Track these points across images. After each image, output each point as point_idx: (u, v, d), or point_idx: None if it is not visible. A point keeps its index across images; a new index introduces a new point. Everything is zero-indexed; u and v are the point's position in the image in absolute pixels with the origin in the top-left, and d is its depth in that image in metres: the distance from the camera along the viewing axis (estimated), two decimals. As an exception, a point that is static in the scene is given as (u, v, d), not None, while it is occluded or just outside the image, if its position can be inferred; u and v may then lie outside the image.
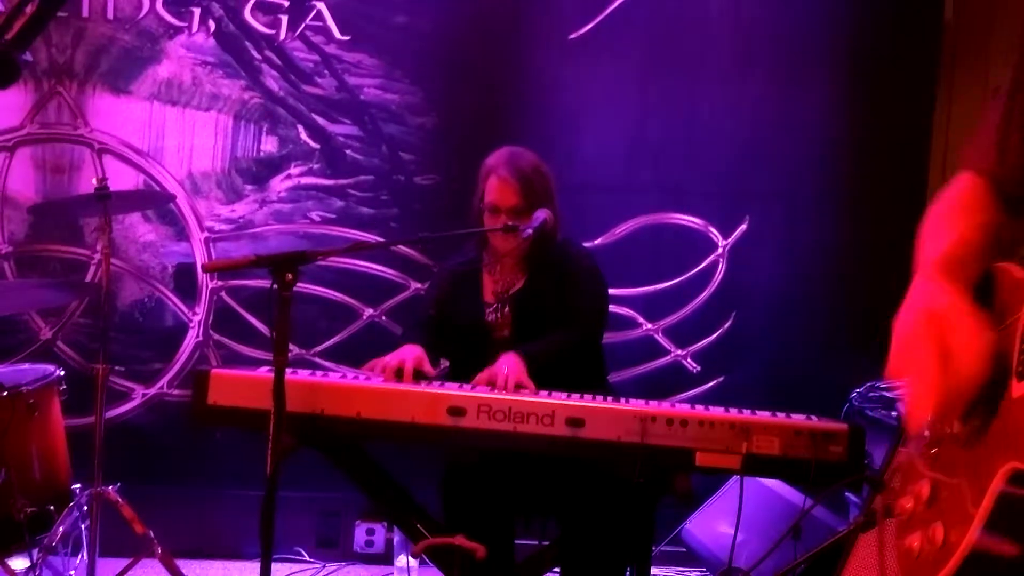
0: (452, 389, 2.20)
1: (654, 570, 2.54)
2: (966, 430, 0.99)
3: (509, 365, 2.26)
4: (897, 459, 1.12)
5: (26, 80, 3.40)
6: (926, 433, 1.04)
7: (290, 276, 2.03)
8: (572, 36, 3.54)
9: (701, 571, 3.35)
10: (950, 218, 1.14)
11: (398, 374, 2.28)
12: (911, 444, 1.09)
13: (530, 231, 2.37)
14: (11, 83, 0.77)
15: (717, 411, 2.10)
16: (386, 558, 3.45)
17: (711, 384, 3.58)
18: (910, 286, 1.06)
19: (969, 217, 1.12)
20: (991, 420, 0.96)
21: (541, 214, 2.42)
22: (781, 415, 2.09)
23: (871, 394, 2.96)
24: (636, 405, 2.12)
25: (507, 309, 2.53)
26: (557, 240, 2.53)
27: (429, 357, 2.38)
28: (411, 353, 2.34)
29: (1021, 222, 1.15)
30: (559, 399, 2.13)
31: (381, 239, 3.44)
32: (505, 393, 2.16)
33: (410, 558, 3.30)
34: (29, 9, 0.76)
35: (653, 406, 2.12)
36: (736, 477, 2.91)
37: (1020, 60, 1.15)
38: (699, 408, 2.14)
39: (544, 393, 2.19)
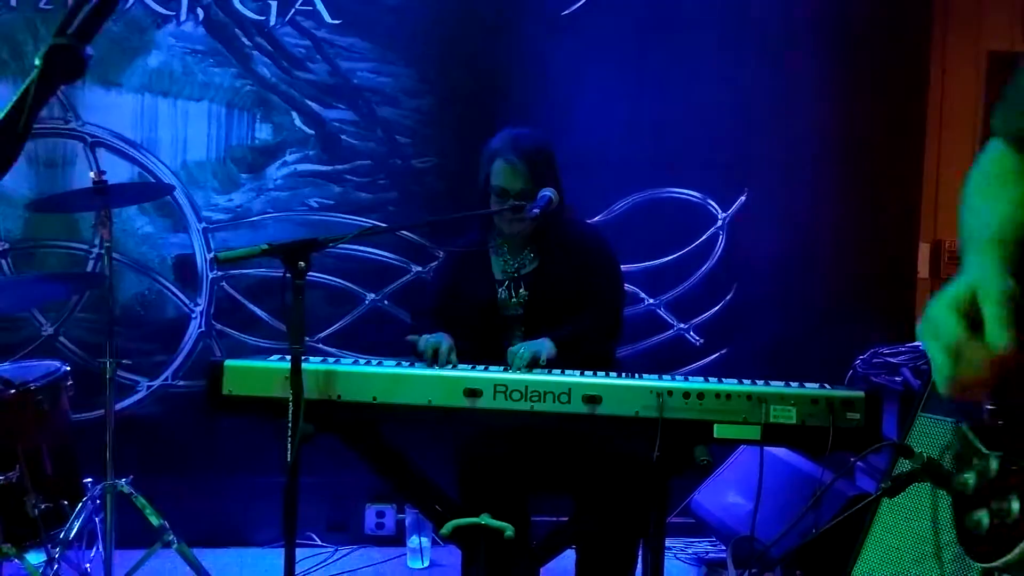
0: (467, 371, 2.21)
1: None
2: None
3: (542, 346, 2.29)
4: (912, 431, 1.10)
5: (14, 75, 3.35)
6: (988, 406, 1.05)
7: (302, 264, 2.04)
8: (564, 12, 3.52)
9: (711, 541, 3.40)
10: (989, 193, 1.14)
11: (438, 356, 2.29)
12: (965, 417, 1.09)
13: (536, 211, 2.37)
14: (78, 77, 0.77)
15: (732, 383, 2.12)
16: (397, 539, 3.47)
17: (714, 356, 3.61)
18: (960, 266, 1.07)
19: (1007, 191, 1.13)
20: None
21: (546, 193, 2.42)
22: (795, 384, 2.11)
23: (875, 360, 2.99)
24: (651, 380, 2.13)
25: (521, 288, 2.53)
26: (565, 217, 2.53)
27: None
28: (446, 340, 2.34)
29: None
30: (574, 377, 2.15)
31: (382, 224, 3.43)
32: (520, 373, 2.17)
33: (422, 538, 3.33)
34: (91, 2, 0.76)
35: (668, 380, 2.13)
36: (741, 447, 2.96)
37: None
38: (714, 380, 2.15)
39: (559, 371, 2.20)
